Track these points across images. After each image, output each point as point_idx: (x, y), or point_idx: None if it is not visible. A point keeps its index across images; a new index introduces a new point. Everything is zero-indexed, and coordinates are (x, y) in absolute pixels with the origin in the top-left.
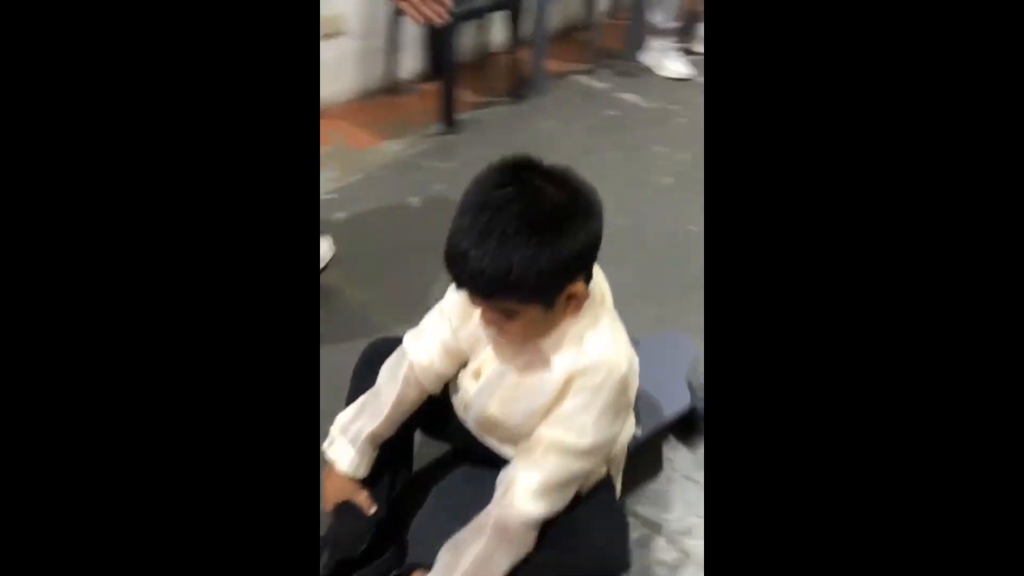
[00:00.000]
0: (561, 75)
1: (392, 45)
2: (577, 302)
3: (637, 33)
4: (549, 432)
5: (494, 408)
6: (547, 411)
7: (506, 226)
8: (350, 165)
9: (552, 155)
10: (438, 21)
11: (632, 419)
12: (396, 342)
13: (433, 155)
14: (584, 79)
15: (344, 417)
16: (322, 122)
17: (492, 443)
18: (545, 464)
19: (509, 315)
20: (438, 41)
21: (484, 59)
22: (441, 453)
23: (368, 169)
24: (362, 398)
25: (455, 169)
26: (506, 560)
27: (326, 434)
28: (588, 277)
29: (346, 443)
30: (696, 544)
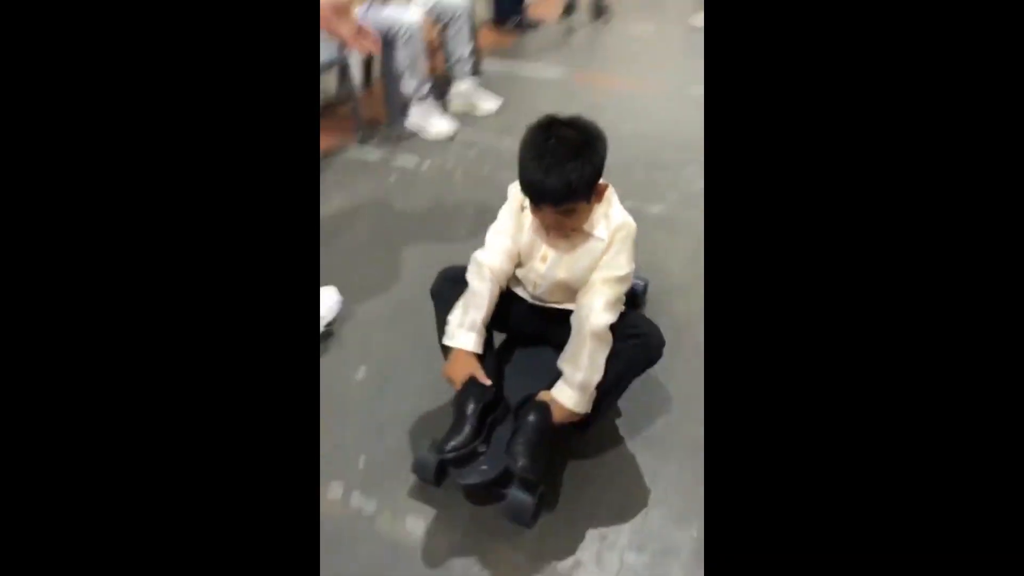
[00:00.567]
0: (331, 152)
1: None
2: (600, 192)
3: (395, 100)
4: (601, 274)
5: (563, 274)
6: (597, 263)
7: (558, 158)
8: None
9: (346, 238)
10: (375, 51)
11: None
12: (461, 268)
13: None
14: (355, 152)
15: (455, 317)
16: None
17: (556, 301)
18: (605, 291)
19: (567, 213)
20: None
21: None
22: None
23: None
24: (462, 299)
25: None
26: (602, 354)
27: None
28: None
29: (466, 331)
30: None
